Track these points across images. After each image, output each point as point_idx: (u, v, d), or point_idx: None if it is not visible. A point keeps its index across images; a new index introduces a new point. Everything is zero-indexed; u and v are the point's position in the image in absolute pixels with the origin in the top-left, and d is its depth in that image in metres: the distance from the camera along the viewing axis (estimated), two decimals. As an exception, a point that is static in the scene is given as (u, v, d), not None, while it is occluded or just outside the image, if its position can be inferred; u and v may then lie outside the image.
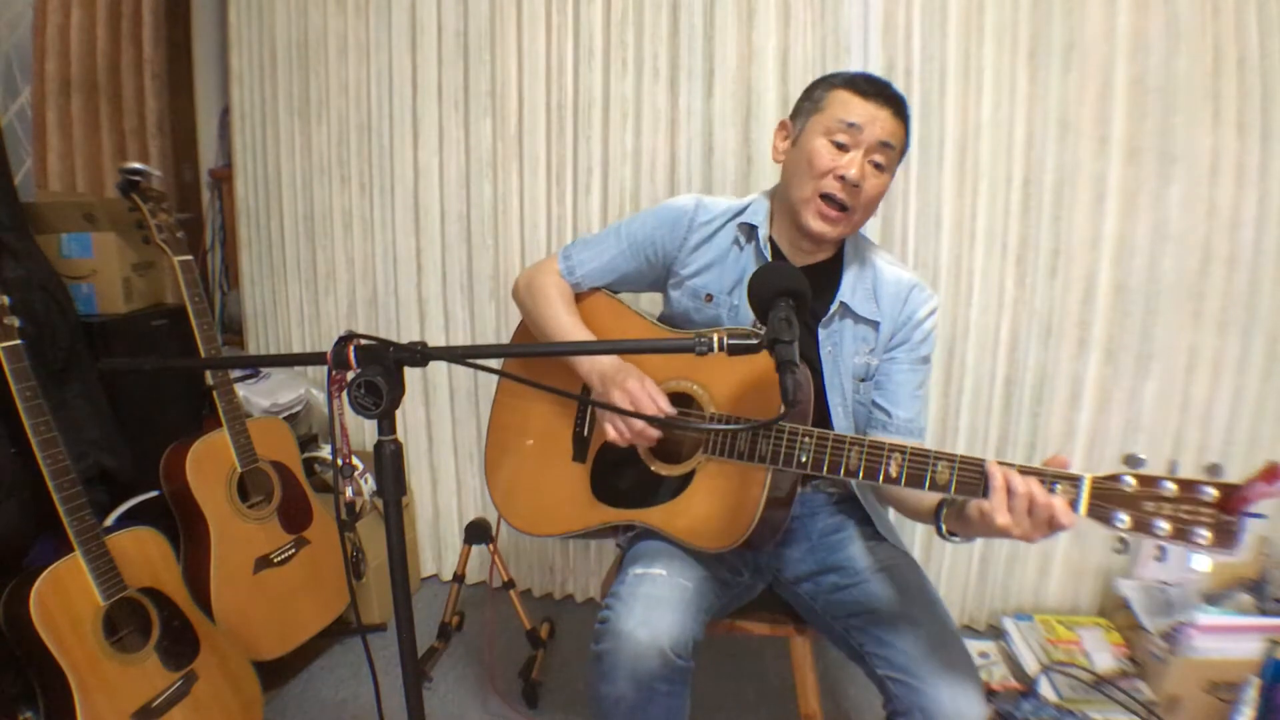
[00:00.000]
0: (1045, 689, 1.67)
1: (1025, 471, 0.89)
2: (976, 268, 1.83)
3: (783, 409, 0.81)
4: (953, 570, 2.00)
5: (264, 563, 1.67)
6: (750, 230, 1.28)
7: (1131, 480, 0.84)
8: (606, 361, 1.22)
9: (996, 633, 1.96)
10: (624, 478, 1.24)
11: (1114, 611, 1.90)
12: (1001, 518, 0.88)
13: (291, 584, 1.72)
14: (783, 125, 1.27)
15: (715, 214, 1.31)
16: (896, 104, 1.18)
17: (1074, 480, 0.87)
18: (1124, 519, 0.84)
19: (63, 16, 2.12)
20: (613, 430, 1.18)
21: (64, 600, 1.23)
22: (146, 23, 2.30)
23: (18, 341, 1.26)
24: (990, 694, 1.68)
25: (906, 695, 1.04)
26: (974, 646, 1.86)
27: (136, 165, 1.60)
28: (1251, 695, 1.54)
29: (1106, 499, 0.86)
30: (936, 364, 1.88)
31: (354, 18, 2.05)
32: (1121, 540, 0.86)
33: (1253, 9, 1.64)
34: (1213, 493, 0.80)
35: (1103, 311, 1.81)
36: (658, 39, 1.85)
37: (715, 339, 0.82)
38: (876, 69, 1.76)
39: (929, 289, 1.29)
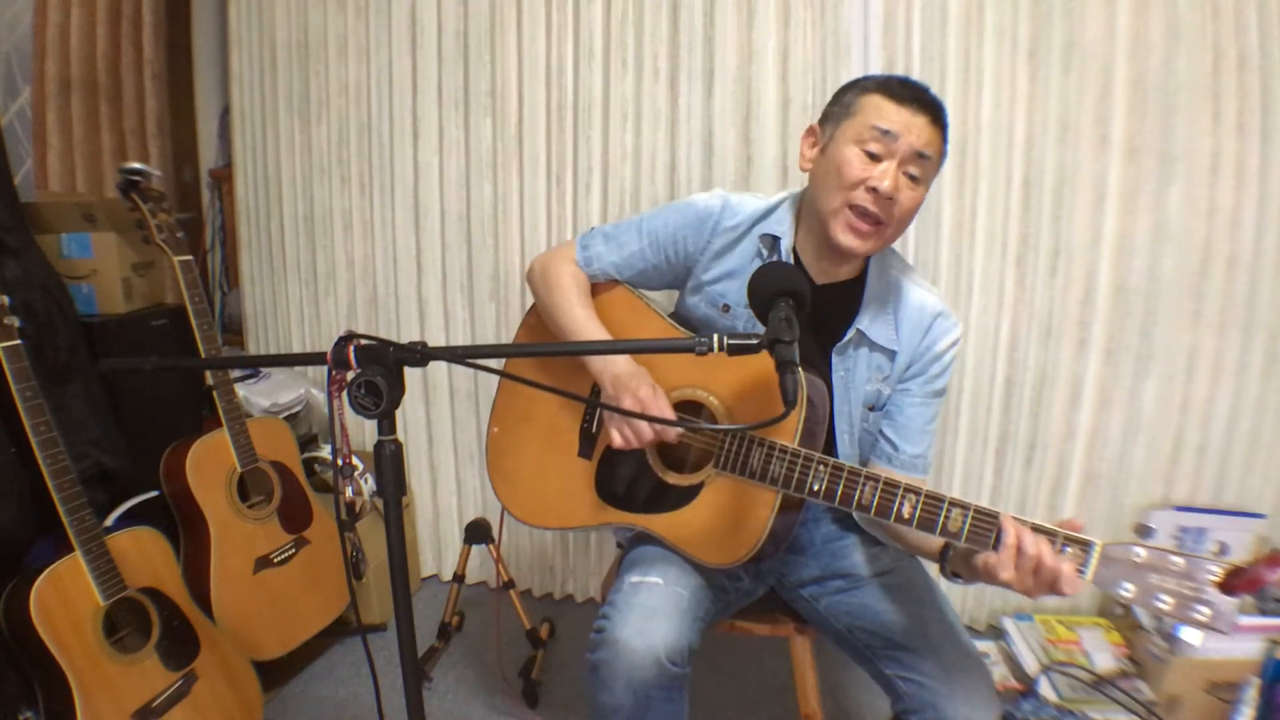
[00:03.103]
0: (1045, 689, 1.67)
1: (1039, 530, 0.90)
2: (976, 268, 1.83)
3: (783, 410, 0.80)
4: (953, 570, 2.00)
5: (264, 563, 1.67)
6: (773, 242, 1.21)
7: (1141, 551, 0.86)
8: (621, 364, 1.18)
9: (996, 633, 1.95)
10: (630, 481, 1.22)
11: (1114, 611, 1.90)
12: (1006, 573, 0.89)
13: (291, 584, 1.72)
14: (810, 131, 1.19)
15: (741, 217, 1.24)
16: (934, 110, 1.09)
17: (1085, 546, 0.88)
18: (1129, 589, 0.86)
19: (63, 16, 2.12)
20: (618, 436, 1.14)
21: (64, 600, 1.23)
22: (146, 23, 2.30)
23: (18, 341, 1.26)
24: (990, 694, 1.68)
25: (918, 694, 1.04)
26: (974, 646, 1.87)
27: (136, 165, 1.60)
28: (1251, 695, 1.54)
29: (1114, 567, 0.87)
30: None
31: (354, 18, 2.05)
32: (1123, 606, 0.87)
33: (1253, 9, 1.64)
34: (1216, 572, 0.82)
35: (1103, 311, 1.81)
36: (658, 39, 1.85)
37: (715, 339, 0.82)
38: (876, 69, 1.76)
39: (953, 317, 1.22)
